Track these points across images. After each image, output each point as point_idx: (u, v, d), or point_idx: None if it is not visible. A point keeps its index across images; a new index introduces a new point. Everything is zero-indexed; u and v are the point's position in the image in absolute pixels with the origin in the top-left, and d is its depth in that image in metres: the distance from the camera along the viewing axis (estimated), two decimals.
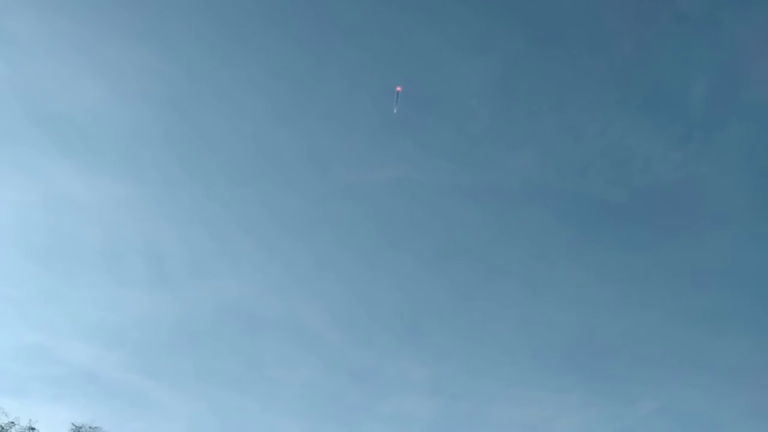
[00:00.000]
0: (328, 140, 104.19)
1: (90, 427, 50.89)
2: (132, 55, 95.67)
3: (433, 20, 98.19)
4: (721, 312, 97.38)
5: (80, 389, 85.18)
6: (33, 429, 48.76)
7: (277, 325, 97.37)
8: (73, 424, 51.02)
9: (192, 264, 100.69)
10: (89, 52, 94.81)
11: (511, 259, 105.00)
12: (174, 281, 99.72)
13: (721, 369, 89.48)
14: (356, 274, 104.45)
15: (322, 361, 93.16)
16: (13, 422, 47.22)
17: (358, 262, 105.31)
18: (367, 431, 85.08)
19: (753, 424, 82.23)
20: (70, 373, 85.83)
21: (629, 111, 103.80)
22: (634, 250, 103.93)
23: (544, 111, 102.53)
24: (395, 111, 60.92)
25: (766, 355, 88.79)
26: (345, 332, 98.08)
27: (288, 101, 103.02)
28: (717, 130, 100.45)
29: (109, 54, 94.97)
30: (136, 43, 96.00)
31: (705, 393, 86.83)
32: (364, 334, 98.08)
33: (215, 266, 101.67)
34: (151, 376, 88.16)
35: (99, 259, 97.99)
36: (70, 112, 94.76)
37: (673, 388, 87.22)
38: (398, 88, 61.34)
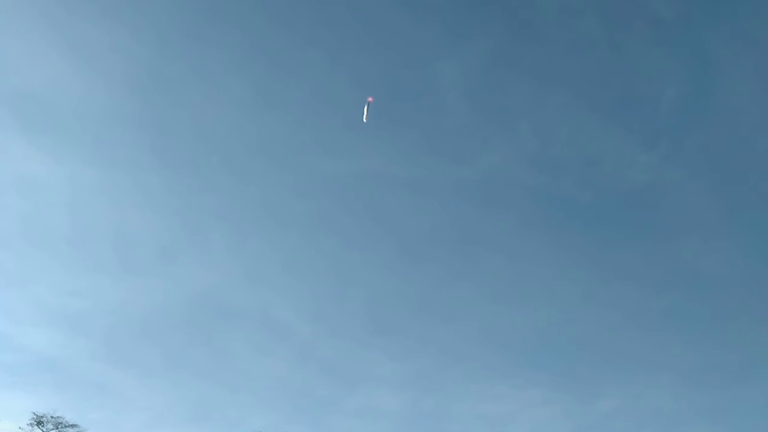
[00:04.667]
0: (304, 129, 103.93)
1: (51, 417, 52.58)
2: (105, 34, 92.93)
3: (414, 14, 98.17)
4: (680, 314, 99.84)
5: (41, 377, 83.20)
6: None
7: (247, 315, 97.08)
8: (34, 413, 52.55)
9: (162, 252, 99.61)
10: (59, 29, 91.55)
11: (479, 256, 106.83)
12: (143, 269, 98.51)
13: (678, 369, 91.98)
14: (328, 267, 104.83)
15: (292, 353, 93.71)
16: None
17: (330, 254, 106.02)
18: (335, 423, 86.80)
19: (708, 422, 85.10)
20: (31, 360, 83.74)
21: (601, 113, 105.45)
22: (599, 250, 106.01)
23: (519, 110, 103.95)
24: (365, 119, 63.50)
25: (722, 356, 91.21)
26: (315, 325, 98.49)
27: (265, 87, 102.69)
28: (685, 136, 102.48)
29: (80, 31, 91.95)
30: (110, 21, 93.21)
31: (662, 391, 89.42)
32: (335, 327, 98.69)
33: (185, 255, 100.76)
34: (117, 365, 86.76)
35: (64, 243, 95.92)
36: (37, 90, 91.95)
37: (632, 387, 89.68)
38: (369, 99, 63.81)
